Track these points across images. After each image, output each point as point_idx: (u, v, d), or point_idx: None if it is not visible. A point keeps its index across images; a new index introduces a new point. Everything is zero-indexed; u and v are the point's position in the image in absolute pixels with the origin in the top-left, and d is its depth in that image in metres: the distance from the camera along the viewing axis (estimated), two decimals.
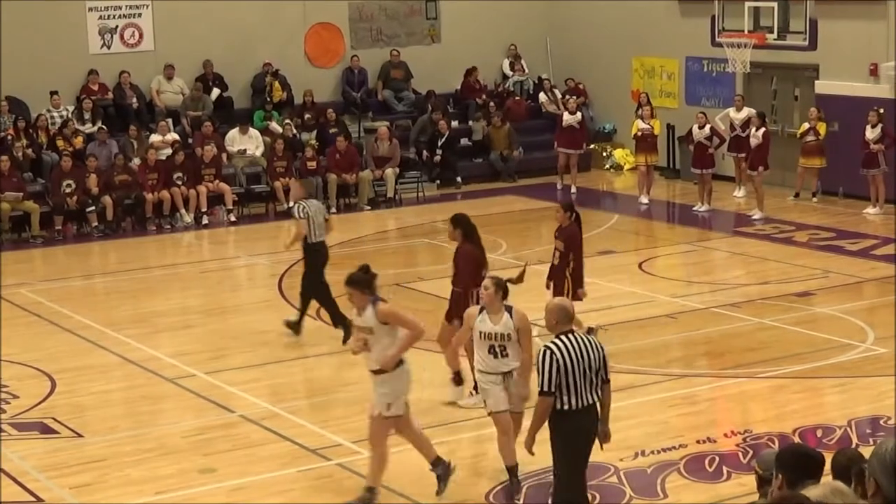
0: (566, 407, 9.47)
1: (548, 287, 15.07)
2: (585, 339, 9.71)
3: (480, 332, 11.07)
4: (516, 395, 11.04)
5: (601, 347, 9.79)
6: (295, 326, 16.35)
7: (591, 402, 9.61)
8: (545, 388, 9.42)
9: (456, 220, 14.02)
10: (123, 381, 15.14)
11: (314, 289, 16.29)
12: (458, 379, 13.80)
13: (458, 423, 13.10)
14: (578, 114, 26.72)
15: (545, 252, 21.19)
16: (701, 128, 24.13)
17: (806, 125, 23.99)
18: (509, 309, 11.06)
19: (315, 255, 16.38)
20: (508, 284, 11.29)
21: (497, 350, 11.04)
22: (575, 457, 9.74)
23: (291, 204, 16.77)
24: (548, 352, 9.46)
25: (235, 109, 26.86)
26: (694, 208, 24.11)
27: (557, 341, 9.53)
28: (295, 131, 26.26)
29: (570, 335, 9.60)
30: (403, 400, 10.88)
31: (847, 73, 24.24)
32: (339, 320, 16.00)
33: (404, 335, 10.67)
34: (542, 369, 9.42)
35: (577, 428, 9.61)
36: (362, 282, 10.86)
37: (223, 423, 13.30)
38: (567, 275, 14.96)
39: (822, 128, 23.82)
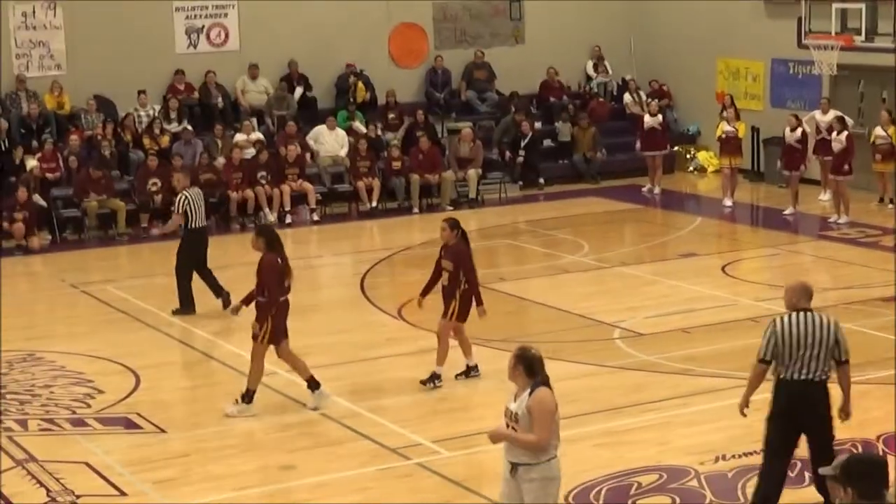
0: (781, 376, 10.17)
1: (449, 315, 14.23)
2: (819, 318, 10.24)
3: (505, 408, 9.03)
4: (491, 433, 9.07)
5: (833, 328, 10.22)
6: (182, 310, 17.60)
7: (810, 377, 10.09)
8: (759, 356, 10.21)
9: (259, 230, 14.22)
10: (206, 377, 15.31)
11: (194, 269, 17.68)
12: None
13: None
14: (659, 116, 26.62)
15: (627, 254, 21.21)
16: (793, 130, 23.92)
17: (879, 129, 23.71)
18: (537, 386, 8.83)
19: (195, 240, 17.63)
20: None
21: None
22: (778, 434, 10.28)
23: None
24: (771, 324, 10.24)
25: (319, 109, 27.01)
26: (785, 212, 23.84)
27: (785, 317, 10.21)
28: (379, 132, 26.39)
29: (803, 313, 10.20)
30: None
31: None
32: (218, 292, 17.58)
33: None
34: (762, 339, 10.19)
35: (790, 396, 10.14)
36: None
37: (304, 420, 13.39)
38: (457, 296, 14.10)
39: (893, 132, 23.52)
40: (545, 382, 8.79)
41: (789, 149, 23.99)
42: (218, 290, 17.78)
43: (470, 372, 14.67)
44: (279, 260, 13.63)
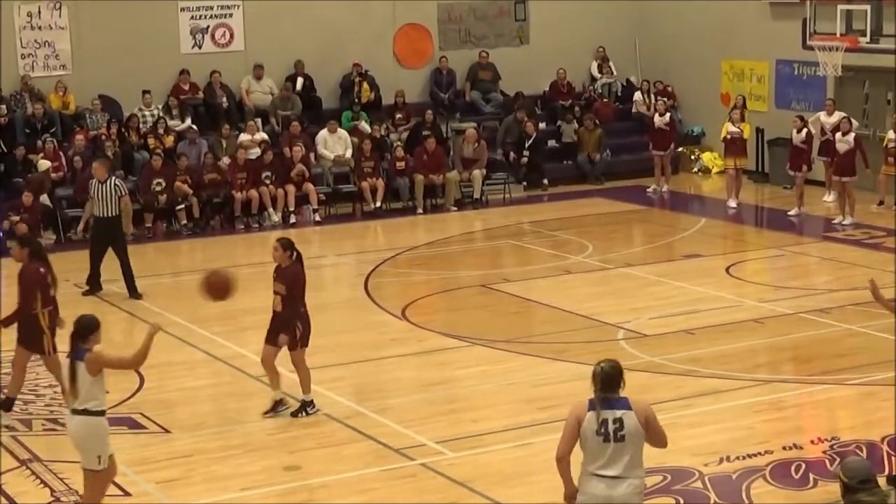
0: None
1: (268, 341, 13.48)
2: None
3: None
4: None
5: None
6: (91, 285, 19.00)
7: None
8: None
9: (22, 241, 14.17)
10: (210, 378, 15.30)
11: (96, 252, 18.96)
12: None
13: None
14: (667, 115, 26.64)
15: (631, 255, 21.20)
16: (798, 131, 23.91)
17: (891, 133, 23.69)
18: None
19: (100, 228, 18.86)
20: None
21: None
22: None
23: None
24: None
25: (324, 109, 27.01)
26: (789, 213, 23.83)
27: None
28: (384, 132, 26.38)
29: None
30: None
31: None
32: (94, 282, 18.98)
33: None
34: None
35: None
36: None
37: (308, 421, 13.38)
38: (299, 321, 13.24)
39: None
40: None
41: (795, 150, 23.98)
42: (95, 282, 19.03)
43: (278, 407, 13.53)
44: (41, 270, 13.57)
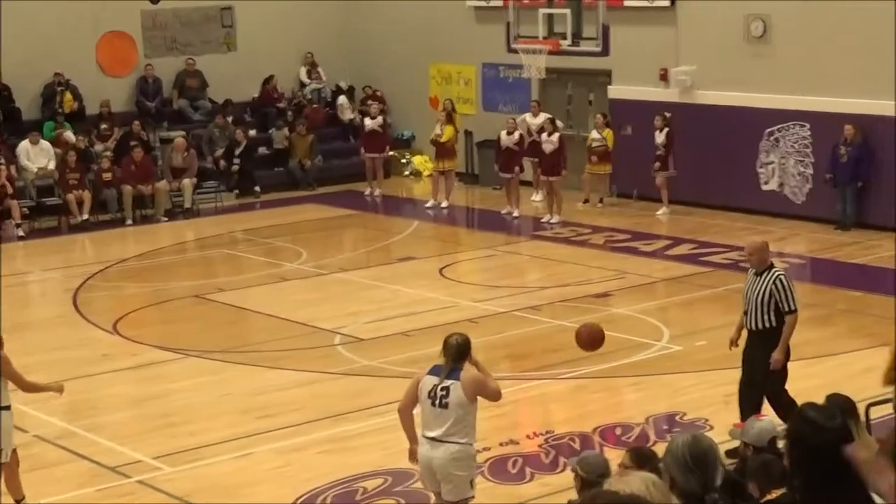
0: None
1: None
2: None
3: None
4: None
5: None
6: None
7: None
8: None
9: None
10: None
11: None
12: None
13: None
14: (379, 118, 26.80)
15: (346, 260, 21.25)
16: (510, 133, 24.35)
17: (594, 132, 24.40)
18: None
19: None
20: None
21: None
22: None
23: None
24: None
25: (24, 120, 26.13)
26: (503, 212, 24.23)
27: None
28: (89, 143, 25.69)
29: None
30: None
31: (638, 77, 24.74)
32: None
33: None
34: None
35: None
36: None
37: (17, 443, 12.88)
38: None
39: (608, 134, 24.26)
40: None
41: (506, 152, 24.39)
42: None
43: None
44: None
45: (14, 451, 10.97)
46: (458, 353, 9.34)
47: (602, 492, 5.23)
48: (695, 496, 5.67)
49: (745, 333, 12.01)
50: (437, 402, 9.26)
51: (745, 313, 11.87)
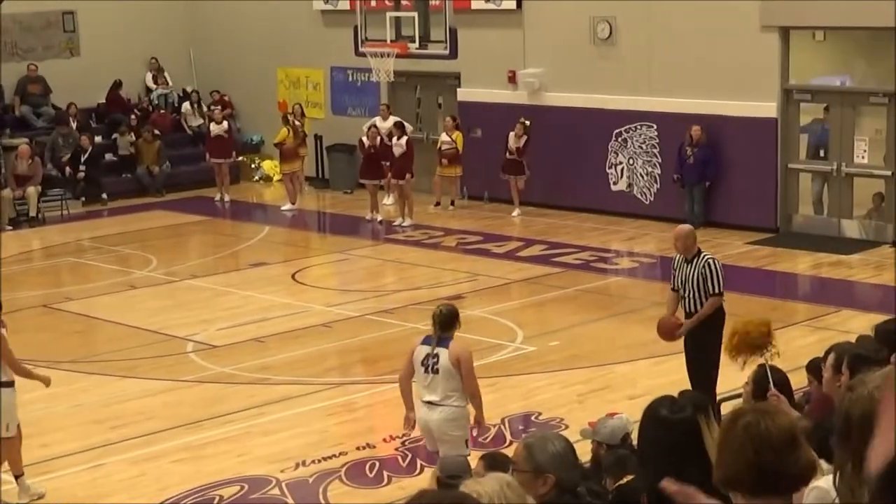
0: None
1: None
2: None
3: None
4: None
5: None
6: None
7: None
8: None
9: None
10: None
11: None
12: None
13: None
14: (225, 123, 26.61)
15: (197, 266, 21.04)
16: (371, 140, 24.28)
17: (444, 135, 24.50)
18: None
19: None
20: None
21: None
22: None
23: None
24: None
25: None
26: (367, 217, 24.10)
27: None
28: None
29: None
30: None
31: (487, 80, 24.91)
32: None
33: None
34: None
35: None
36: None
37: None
38: None
39: (458, 137, 24.37)
40: None
41: (368, 157, 24.29)
42: None
43: None
44: None
45: (17, 426, 11.32)
46: (444, 321, 10.26)
47: (427, 491, 5.23)
48: (573, 486, 5.91)
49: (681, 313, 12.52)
50: (430, 368, 10.25)
51: (682, 297, 12.44)
